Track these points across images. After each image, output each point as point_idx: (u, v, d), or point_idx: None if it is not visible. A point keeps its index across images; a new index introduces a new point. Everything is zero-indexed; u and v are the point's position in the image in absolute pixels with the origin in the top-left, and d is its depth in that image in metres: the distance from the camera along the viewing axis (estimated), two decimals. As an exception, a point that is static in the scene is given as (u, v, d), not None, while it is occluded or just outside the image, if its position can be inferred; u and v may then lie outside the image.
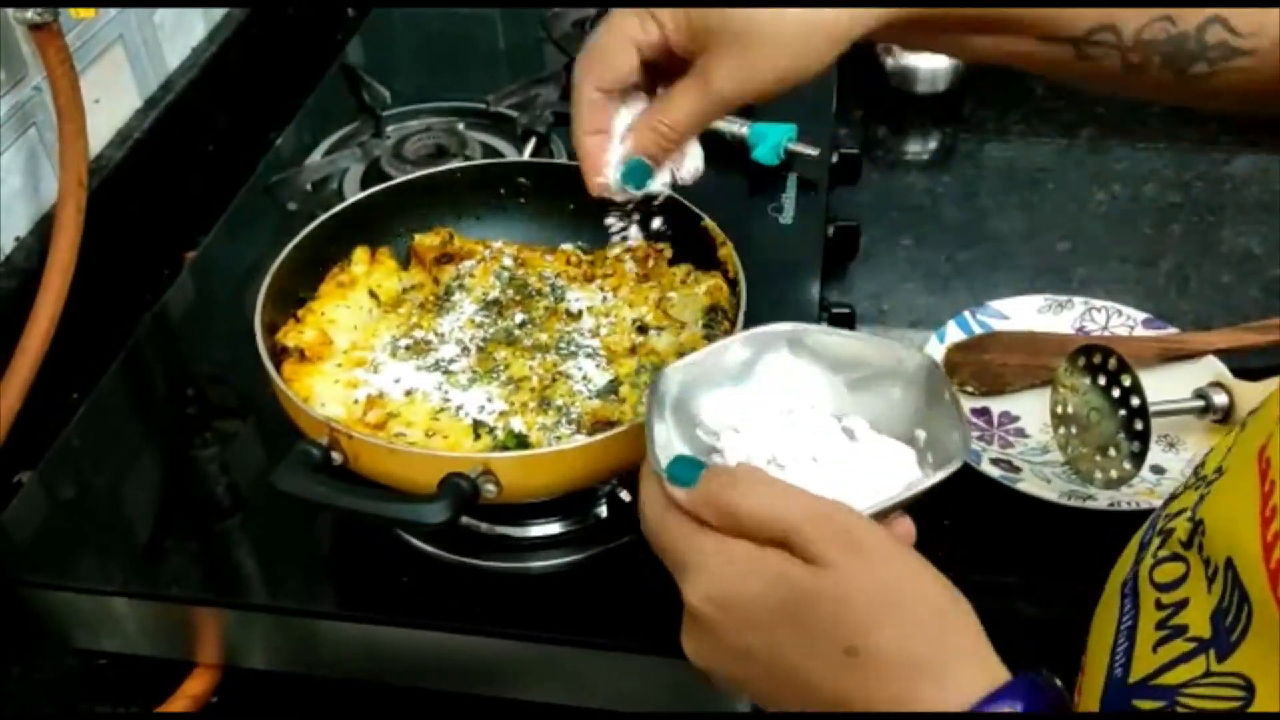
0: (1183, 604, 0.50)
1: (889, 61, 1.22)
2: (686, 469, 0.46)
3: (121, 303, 0.92)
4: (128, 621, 0.70)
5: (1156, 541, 0.55)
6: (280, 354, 0.69)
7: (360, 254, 0.76)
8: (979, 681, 0.41)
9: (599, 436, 0.60)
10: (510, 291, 0.76)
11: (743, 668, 0.45)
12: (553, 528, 0.69)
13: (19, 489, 0.74)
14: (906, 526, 0.50)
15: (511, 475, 0.57)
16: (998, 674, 0.42)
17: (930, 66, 1.21)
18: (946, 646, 0.43)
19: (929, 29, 0.59)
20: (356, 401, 0.67)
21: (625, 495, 0.67)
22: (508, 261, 0.78)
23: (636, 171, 0.58)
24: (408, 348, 0.72)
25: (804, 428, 0.54)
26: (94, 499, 0.73)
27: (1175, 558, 0.52)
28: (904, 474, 0.53)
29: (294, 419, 0.63)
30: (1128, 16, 0.57)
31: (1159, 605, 0.52)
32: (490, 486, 0.58)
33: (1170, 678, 0.49)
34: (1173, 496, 0.57)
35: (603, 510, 0.69)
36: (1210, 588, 0.48)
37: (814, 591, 0.43)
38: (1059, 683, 0.42)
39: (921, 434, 0.55)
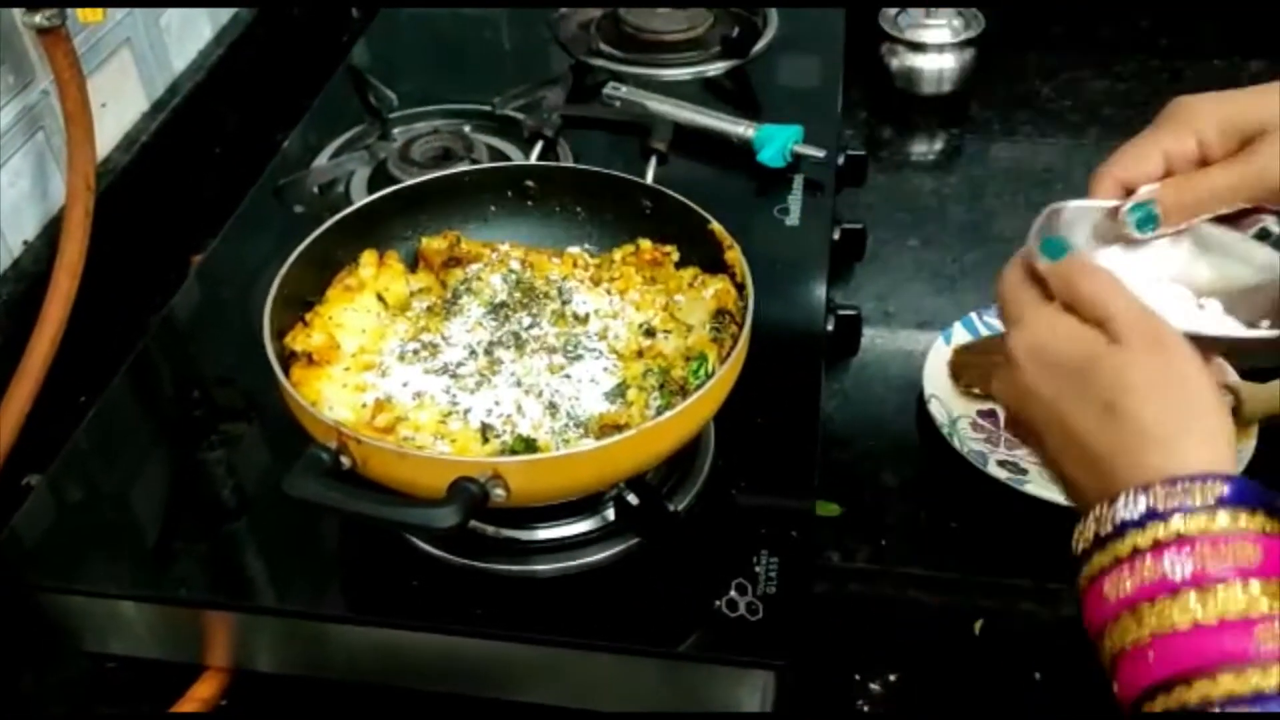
0: None
1: (894, 63, 1.22)
2: (1057, 248, 0.55)
3: (128, 306, 0.92)
4: (137, 625, 0.70)
5: None
6: (288, 358, 0.69)
7: (368, 257, 0.76)
8: (1204, 462, 0.46)
9: (607, 441, 0.61)
10: (517, 294, 0.76)
11: (1029, 406, 0.53)
12: (560, 531, 0.69)
13: (27, 491, 0.74)
14: (1218, 364, 0.57)
15: (520, 479, 0.57)
16: (1226, 467, 0.47)
17: (936, 67, 1.21)
18: (1190, 431, 0.48)
19: None
20: (365, 405, 0.67)
21: (633, 499, 0.67)
22: (515, 265, 0.78)
23: (1142, 218, 0.58)
24: (415, 351, 0.72)
25: (1164, 296, 0.57)
26: (103, 503, 0.74)
27: None
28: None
29: (302, 423, 0.63)
30: None
31: None
32: (499, 491, 0.58)
33: None
34: None
35: (610, 513, 0.69)
36: None
37: (1104, 355, 0.50)
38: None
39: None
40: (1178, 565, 0.43)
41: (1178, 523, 0.44)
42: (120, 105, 0.96)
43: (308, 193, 0.94)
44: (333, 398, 0.68)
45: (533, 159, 0.95)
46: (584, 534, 0.69)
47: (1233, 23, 1.29)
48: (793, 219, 0.93)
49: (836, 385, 0.91)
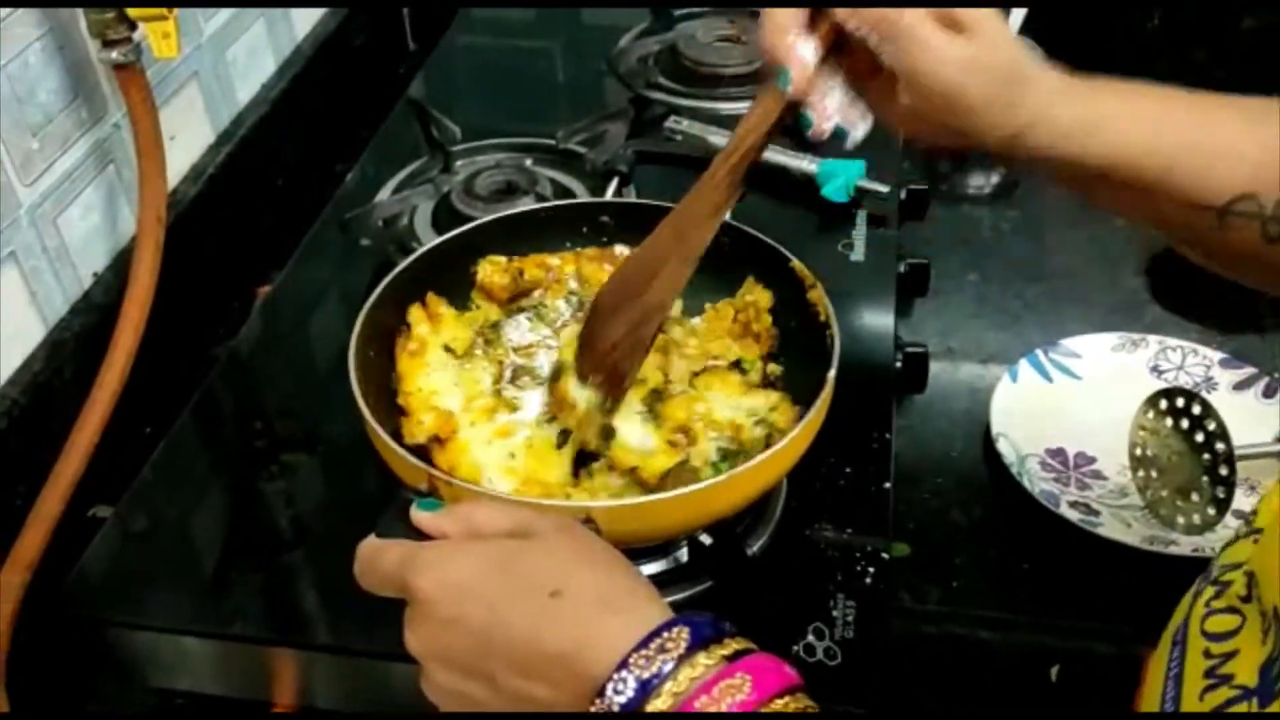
0: (1232, 655, 0.51)
1: (950, 95, 1.21)
2: (433, 504, 0.52)
3: (193, 337, 0.92)
4: (201, 661, 0.70)
5: (1210, 591, 0.55)
6: (414, 450, 0.66)
7: (416, 314, 0.75)
8: (659, 616, 0.44)
9: (702, 484, 0.60)
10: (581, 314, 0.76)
11: (460, 639, 0.46)
12: (635, 571, 0.68)
13: (94, 522, 0.74)
14: None
15: (612, 522, 0.57)
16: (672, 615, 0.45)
17: (992, 100, 1.20)
18: (635, 593, 0.46)
19: (1075, 175, 0.60)
20: (513, 455, 0.69)
21: (706, 539, 0.67)
22: (572, 284, 0.79)
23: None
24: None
25: None
26: (170, 537, 0.74)
27: (1232, 610, 0.53)
28: None
29: (391, 466, 0.63)
30: (1269, 186, 0.57)
31: (1207, 654, 0.53)
32: (589, 534, 0.57)
33: None
34: (1227, 546, 0.57)
35: (683, 554, 0.69)
36: (1265, 639, 0.48)
37: (527, 549, 0.48)
38: (730, 624, 0.45)
39: None
40: None
41: (669, 687, 0.41)
42: (187, 138, 0.96)
43: (373, 226, 0.94)
44: (484, 460, 0.68)
45: (608, 195, 0.94)
46: (655, 575, 0.69)
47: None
48: (857, 254, 0.92)
49: (903, 422, 0.91)
